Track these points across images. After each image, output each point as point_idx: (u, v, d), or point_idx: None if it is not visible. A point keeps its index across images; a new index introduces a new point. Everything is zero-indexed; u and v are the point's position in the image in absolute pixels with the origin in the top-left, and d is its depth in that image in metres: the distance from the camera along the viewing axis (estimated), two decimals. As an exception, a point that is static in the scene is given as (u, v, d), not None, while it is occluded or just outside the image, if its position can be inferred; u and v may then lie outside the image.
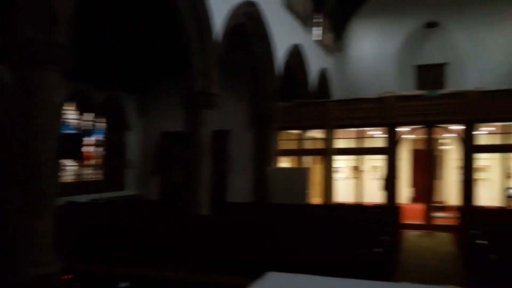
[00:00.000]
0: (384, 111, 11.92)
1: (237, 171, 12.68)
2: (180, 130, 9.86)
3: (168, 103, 12.93)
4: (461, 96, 11.51)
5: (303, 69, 15.23)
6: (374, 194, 13.52)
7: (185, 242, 6.34)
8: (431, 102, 11.66)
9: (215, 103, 9.32)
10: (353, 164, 14.24)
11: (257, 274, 2.73)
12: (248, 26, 11.36)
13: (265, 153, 12.38)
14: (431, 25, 18.95)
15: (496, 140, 11.94)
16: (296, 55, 14.39)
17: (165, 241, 6.46)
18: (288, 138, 13.63)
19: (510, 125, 11.55)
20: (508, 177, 12.46)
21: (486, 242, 5.71)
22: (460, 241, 8.88)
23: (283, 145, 13.28)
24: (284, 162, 13.81)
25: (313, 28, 16.69)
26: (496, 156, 12.93)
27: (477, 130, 11.51)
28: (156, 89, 14.07)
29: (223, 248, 5.87)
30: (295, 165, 13.53)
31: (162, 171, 14.01)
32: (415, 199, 15.07)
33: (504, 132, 11.57)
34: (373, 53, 19.64)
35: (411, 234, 11.21)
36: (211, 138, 9.42)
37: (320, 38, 17.44)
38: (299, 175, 11.98)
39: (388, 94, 12.17)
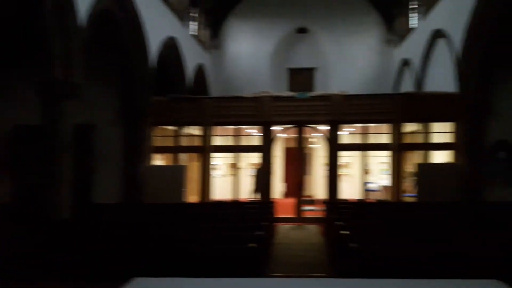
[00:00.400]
0: (259, 110, 12.20)
1: (105, 170, 11.58)
2: (36, 123, 8.56)
3: (21, 92, 11.13)
4: (327, 99, 12.35)
5: (180, 63, 14.80)
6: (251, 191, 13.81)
7: (41, 248, 5.46)
8: (302, 103, 12.31)
9: (77, 94, 8.32)
10: (231, 161, 14.30)
11: (128, 279, 2.58)
12: (118, 13, 10.48)
13: (138, 150, 11.59)
14: (302, 30, 20.24)
15: (357, 140, 13.16)
16: (171, 48, 13.88)
17: (16, 248, 5.48)
18: (163, 134, 13.05)
19: (368, 126, 12.79)
20: (367, 173, 13.86)
21: (348, 232, 6.08)
22: (327, 232, 9.45)
23: (158, 141, 12.66)
24: (159, 160, 13.18)
25: (190, 23, 16.37)
26: (356, 154, 14.29)
27: (340, 130, 12.52)
28: (6, 75, 12.04)
29: (88, 254, 5.20)
30: (171, 163, 13.02)
31: (13, 170, 12.09)
32: (287, 194, 15.85)
33: (363, 133, 12.80)
34: (249, 53, 20.19)
35: (284, 227, 11.61)
36: (73, 133, 8.40)
37: (196, 33, 17.19)
38: (175, 173, 11.54)
39: (263, 94, 12.49)
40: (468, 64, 11.30)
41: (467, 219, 7.73)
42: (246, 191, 14.14)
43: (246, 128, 13.25)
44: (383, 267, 4.85)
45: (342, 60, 19.74)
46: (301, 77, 19.96)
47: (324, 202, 10.80)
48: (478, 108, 11.24)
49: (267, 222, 8.27)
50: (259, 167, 13.89)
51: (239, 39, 20.42)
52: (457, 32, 11.70)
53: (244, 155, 14.24)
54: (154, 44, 12.14)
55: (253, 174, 14.18)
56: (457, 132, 11.78)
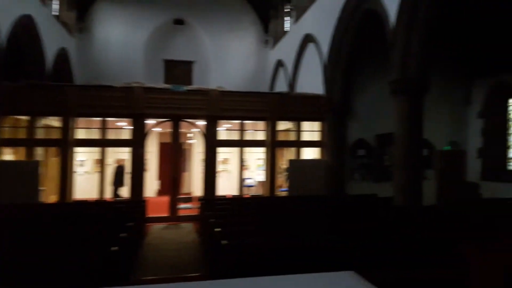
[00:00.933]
0: (131, 102, 11.32)
1: None
2: None
3: None
4: (204, 93, 12.10)
5: (38, 45, 12.98)
6: (124, 189, 12.89)
7: None
8: (178, 96, 11.81)
9: None
10: (97, 157, 13.05)
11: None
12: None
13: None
14: (179, 22, 19.69)
15: (234, 136, 13.15)
16: (27, 27, 12.09)
17: None
18: (15, 125, 11.28)
19: (245, 123, 12.86)
20: (244, 169, 14.00)
21: (220, 229, 5.93)
22: (202, 230, 9.22)
23: (8, 133, 10.92)
24: (9, 154, 11.34)
25: (52, 2, 14.55)
26: (234, 150, 14.32)
27: (218, 126, 12.39)
28: None
29: None
30: (24, 158, 11.28)
31: None
32: (162, 192, 15.18)
33: (240, 129, 12.82)
34: (122, 40, 18.92)
35: (157, 227, 11.10)
36: None
37: (58, 14, 15.36)
38: (28, 170, 10.04)
39: (135, 84, 11.64)
40: (333, 69, 12.21)
41: (331, 211, 8.22)
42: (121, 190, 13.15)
43: (116, 121, 12.22)
44: (256, 263, 4.78)
45: (220, 55, 19.78)
46: (179, 70, 19.41)
47: (199, 199, 10.52)
48: (341, 109, 12.23)
49: (136, 222, 7.71)
50: (119, 163, 13.07)
51: (110, 24, 18.92)
52: (325, 39, 12.55)
53: (114, 150, 13.16)
54: (4, 22, 10.38)
55: (114, 171, 13.24)
56: (324, 131, 12.64)
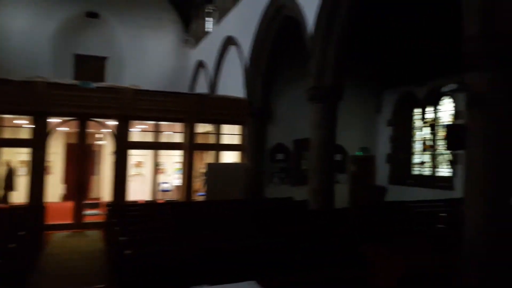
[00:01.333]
0: (32, 98, 10.23)
1: None
2: None
3: None
4: (117, 92, 11.42)
5: None
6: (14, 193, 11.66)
7: None
8: (87, 94, 10.94)
9: None
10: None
11: None
12: None
13: None
14: (92, 15, 18.49)
15: (149, 138, 12.55)
16: None
17: None
18: None
19: (161, 124, 12.33)
20: (160, 172, 13.42)
21: (125, 238, 5.53)
22: (108, 238, 8.62)
23: None
24: None
25: None
26: (149, 152, 13.69)
27: (131, 127, 11.72)
28: None
29: None
30: None
31: None
32: (68, 197, 13.98)
33: (156, 131, 12.28)
34: (26, 30, 17.31)
35: (59, 235, 10.25)
36: None
37: None
38: None
39: (38, 79, 10.56)
40: (253, 73, 12.24)
41: (249, 216, 8.13)
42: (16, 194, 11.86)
43: (14, 118, 10.99)
44: (164, 272, 4.51)
45: (137, 53, 18.94)
46: (90, 66, 18.16)
47: (107, 205, 9.83)
48: (261, 113, 12.29)
49: (31, 230, 6.95)
50: (8, 165, 11.88)
51: (13, 15, 17.16)
52: (246, 42, 12.53)
53: (12, 151, 11.84)
54: None
55: (4, 174, 11.98)
56: (244, 135, 12.59)
